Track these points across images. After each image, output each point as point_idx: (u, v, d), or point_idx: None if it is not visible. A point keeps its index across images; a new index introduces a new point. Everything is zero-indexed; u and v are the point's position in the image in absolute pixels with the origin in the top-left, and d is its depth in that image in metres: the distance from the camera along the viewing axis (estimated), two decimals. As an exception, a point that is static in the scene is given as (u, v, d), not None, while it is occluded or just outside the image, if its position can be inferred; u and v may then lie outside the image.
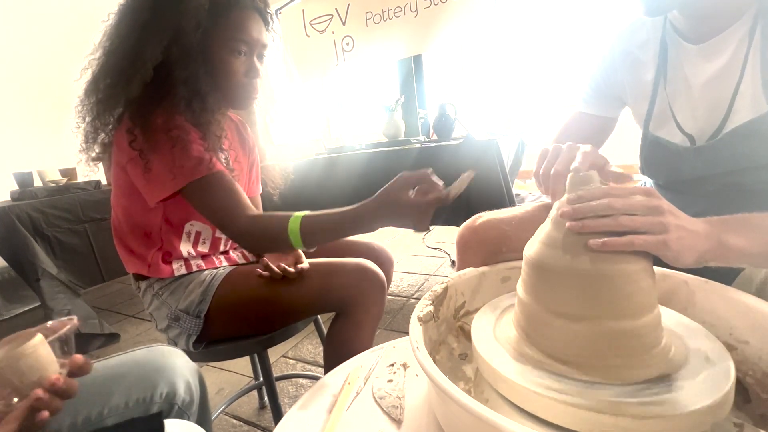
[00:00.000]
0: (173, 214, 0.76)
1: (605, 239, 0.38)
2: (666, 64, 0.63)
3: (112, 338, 1.78)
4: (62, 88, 2.43)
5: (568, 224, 0.40)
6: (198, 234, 0.80)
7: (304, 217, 0.64)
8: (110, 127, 0.73)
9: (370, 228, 0.63)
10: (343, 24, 2.58)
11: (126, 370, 0.52)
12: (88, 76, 0.73)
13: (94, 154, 0.76)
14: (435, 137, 1.89)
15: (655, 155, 0.67)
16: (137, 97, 0.67)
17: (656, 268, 0.43)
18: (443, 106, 1.86)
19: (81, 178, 2.11)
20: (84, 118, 0.75)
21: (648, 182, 0.77)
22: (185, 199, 0.69)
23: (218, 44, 0.72)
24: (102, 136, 0.74)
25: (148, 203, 0.71)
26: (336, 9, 2.57)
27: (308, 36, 2.69)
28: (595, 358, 0.37)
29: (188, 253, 0.79)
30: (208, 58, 0.72)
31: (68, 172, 2.10)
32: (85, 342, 1.70)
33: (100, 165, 0.77)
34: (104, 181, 2.16)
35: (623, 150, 0.96)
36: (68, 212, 1.80)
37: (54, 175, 2.06)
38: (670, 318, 0.44)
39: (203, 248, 0.82)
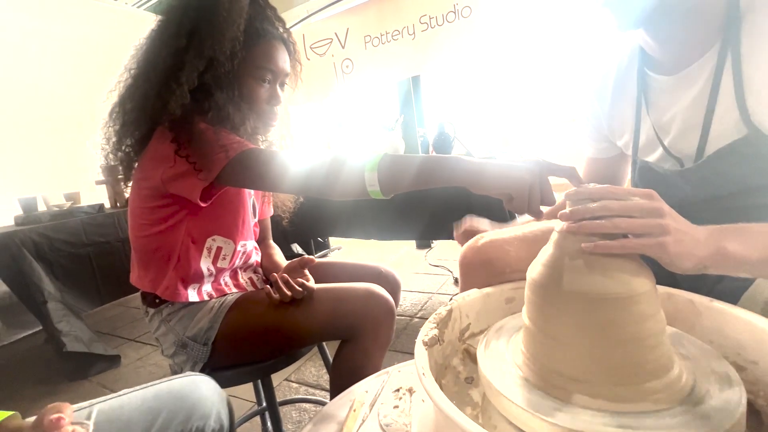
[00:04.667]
0: (196, 229, 0.76)
1: (597, 242, 0.38)
2: (646, 93, 0.65)
3: (113, 361, 1.76)
4: (66, 113, 2.50)
5: (565, 225, 0.41)
6: (219, 249, 0.81)
7: (385, 155, 0.59)
8: (136, 146, 0.74)
9: (466, 176, 0.53)
10: (343, 47, 2.65)
11: (161, 404, 0.53)
12: (114, 98, 0.75)
13: (119, 175, 0.78)
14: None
15: (646, 181, 0.67)
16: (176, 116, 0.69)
17: (660, 287, 0.43)
18: (442, 125, 1.90)
19: (85, 201, 2.14)
20: (108, 140, 0.76)
21: None
22: (236, 175, 0.67)
23: (247, 72, 0.75)
24: (127, 155, 0.76)
25: (192, 198, 0.69)
26: (335, 33, 2.65)
27: (309, 59, 2.76)
28: (604, 377, 0.36)
29: (207, 269, 0.79)
30: (237, 85, 0.75)
31: (72, 196, 2.12)
32: (87, 364, 1.69)
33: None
34: (107, 204, 2.17)
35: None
36: (72, 236, 1.81)
37: (58, 200, 2.08)
38: (676, 338, 0.44)
39: (223, 264, 0.82)
